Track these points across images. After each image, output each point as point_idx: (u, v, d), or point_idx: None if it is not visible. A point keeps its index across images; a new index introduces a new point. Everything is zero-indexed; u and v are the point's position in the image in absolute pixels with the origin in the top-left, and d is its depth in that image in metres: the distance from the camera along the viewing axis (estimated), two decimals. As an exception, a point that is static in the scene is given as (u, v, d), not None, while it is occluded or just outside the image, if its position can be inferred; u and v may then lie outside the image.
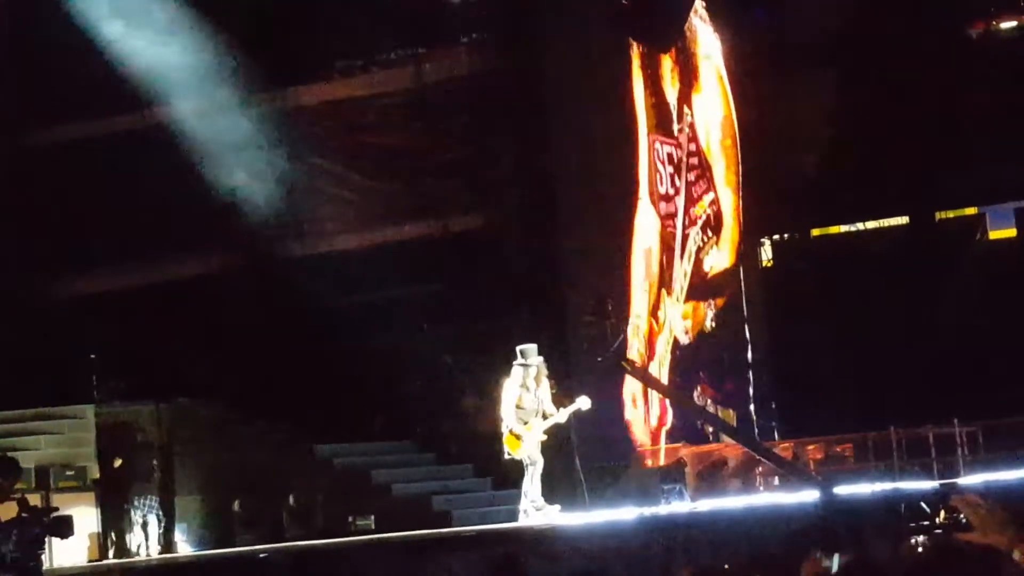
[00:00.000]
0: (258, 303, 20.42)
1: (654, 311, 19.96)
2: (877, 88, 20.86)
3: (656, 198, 20.27)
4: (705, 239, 20.94)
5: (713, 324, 20.87)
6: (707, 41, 21.34)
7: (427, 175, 20.64)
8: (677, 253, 20.48)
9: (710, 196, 21.00)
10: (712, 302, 20.95)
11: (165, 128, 20.62)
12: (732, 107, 21.18)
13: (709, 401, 20.45)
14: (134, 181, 20.86)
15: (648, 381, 19.02)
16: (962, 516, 4.29)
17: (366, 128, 20.88)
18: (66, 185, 21.05)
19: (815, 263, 22.63)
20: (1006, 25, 21.55)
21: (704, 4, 21.19)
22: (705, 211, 20.96)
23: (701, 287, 20.74)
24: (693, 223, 20.82)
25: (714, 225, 21.22)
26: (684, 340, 20.35)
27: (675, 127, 20.86)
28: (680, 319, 20.34)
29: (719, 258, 21.23)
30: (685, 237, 20.64)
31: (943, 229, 22.97)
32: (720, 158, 21.32)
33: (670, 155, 20.69)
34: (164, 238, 20.89)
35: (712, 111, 21.27)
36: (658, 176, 20.35)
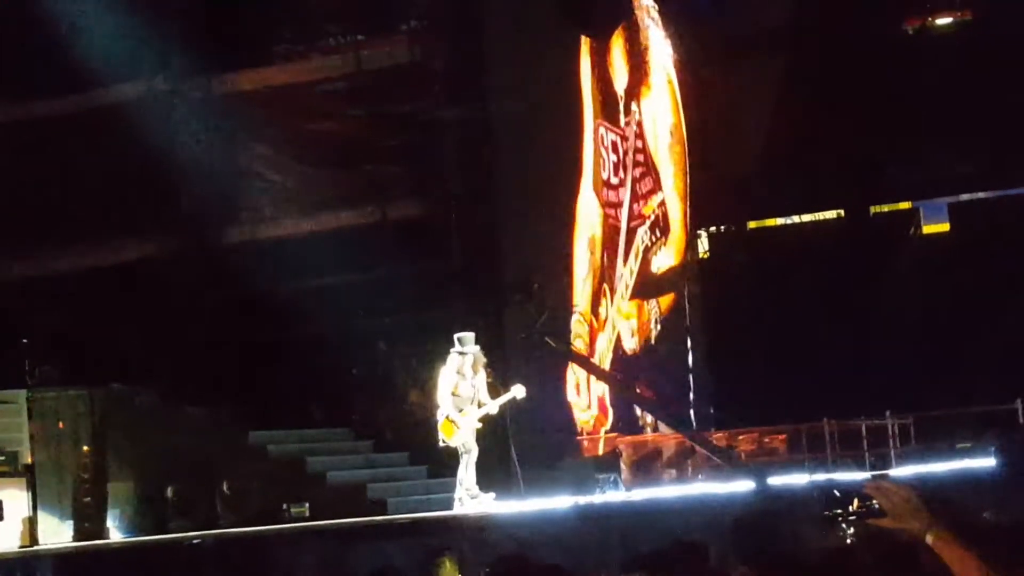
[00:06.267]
0: (194, 289, 20.32)
1: (594, 307, 20.00)
2: (813, 82, 20.98)
3: (600, 185, 20.31)
4: (654, 239, 20.97)
5: (658, 330, 20.82)
6: (658, 46, 21.39)
7: (366, 162, 20.64)
8: (621, 250, 20.49)
9: (658, 197, 21.05)
10: (657, 306, 20.94)
11: (102, 112, 20.46)
12: (682, 115, 21.22)
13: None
14: (70, 165, 20.71)
15: (577, 361, 19.04)
16: (875, 503, 4.36)
17: (305, 114, 20.84)
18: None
19: (751, 255, 22.75)
20: (941, 21, 21.74)
21: (657, 7, 21.25)
22: (654, 211, 21.00)
23: (646, 286, 20.77)
24: (640, 221, 20.81)
25: (662, 226, 21.25)
26: (630, 343, 20.31)
27: (621, 118, 20.91)
28: (624, 320, 20.35)
29: (666, 259, 21.25)
30: (631, 233, 20.60)
31: (877, 223, 23.15)
32: (669, 163, 21.34)
33: (615, 144, 20.73)
34: (99, 223, 20.74)
35: (661, 116, 21.31)
36: (601, 162, 20.40)
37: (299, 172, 21.01)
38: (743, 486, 14.89)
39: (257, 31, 20.98)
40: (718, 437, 18.62)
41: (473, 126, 19.75)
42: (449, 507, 15.79)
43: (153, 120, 20.33)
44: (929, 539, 4.24)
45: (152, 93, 20.61)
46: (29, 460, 17.47)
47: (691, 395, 20.82)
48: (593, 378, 19.49)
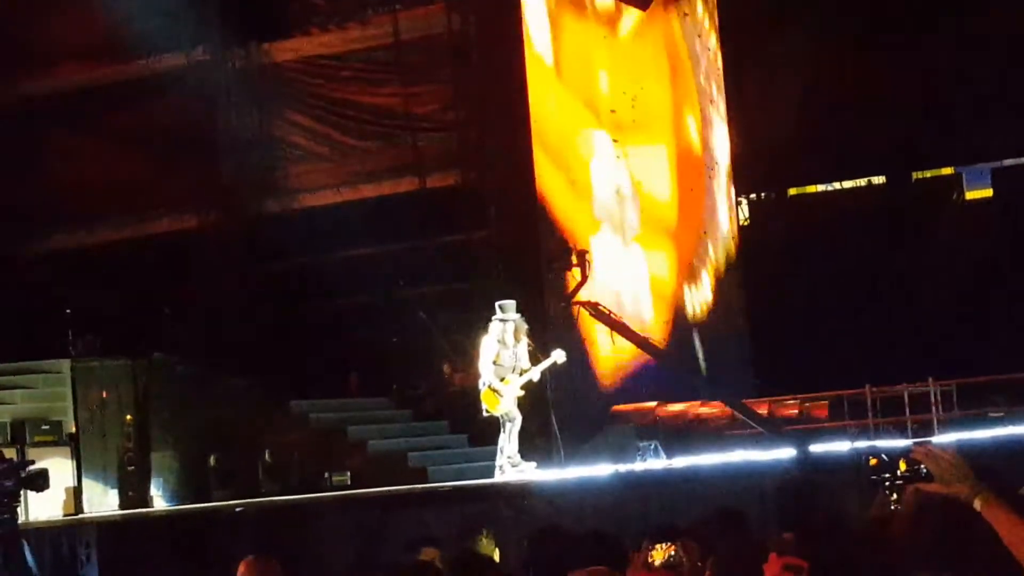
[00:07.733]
0: (234, 259, 20.39)
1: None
2: (854, 48, 20.87)
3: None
4: None
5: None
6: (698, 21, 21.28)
7: (404, 132, 20.59)
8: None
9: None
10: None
11: (141, 83, 20.52)
12: (718, 87, 21.12)
13: None
14: (109, 136, 20.79)
15: (613, 325, 19.00)
16: (922, 467, 4.33)
17: (343, 84, 20.80)
18: (40, 140, 20.95)
19: (791, 222, 22.68)
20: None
21: None
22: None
23: None
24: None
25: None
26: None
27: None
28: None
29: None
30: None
31: (920, 189, 23.02)
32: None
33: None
34: (140, 194, 20.84)
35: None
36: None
37: (337, 142, 20.99)
38: (785, 454, 14.85)
39: (295, 2, 20.97)
40: (760, 405, 18.56)
41: (510, 95, 19.65)
42: (490, 475, 15.81)
43: (193, 91, 20.36)
44: (977, 504, 4.21)
45: (192, 64, 20.64)
46: (73, 429, 17.61)
47: (700, 356, 20.77)
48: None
